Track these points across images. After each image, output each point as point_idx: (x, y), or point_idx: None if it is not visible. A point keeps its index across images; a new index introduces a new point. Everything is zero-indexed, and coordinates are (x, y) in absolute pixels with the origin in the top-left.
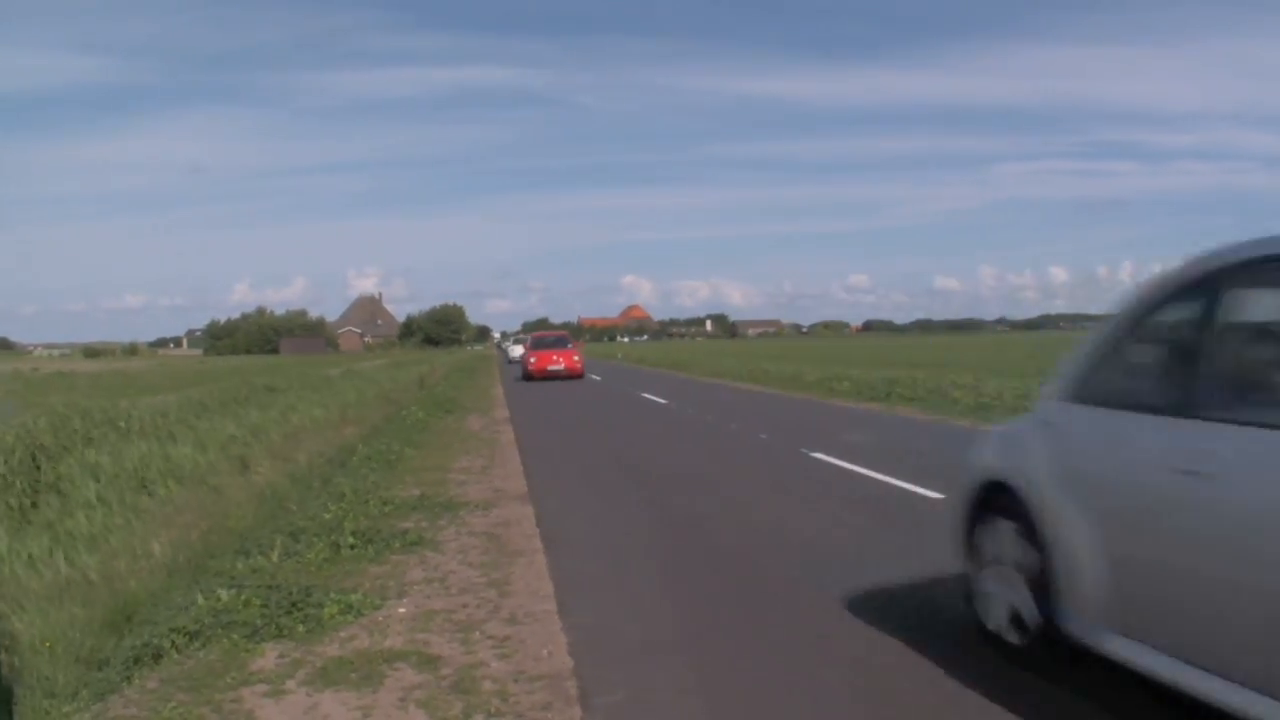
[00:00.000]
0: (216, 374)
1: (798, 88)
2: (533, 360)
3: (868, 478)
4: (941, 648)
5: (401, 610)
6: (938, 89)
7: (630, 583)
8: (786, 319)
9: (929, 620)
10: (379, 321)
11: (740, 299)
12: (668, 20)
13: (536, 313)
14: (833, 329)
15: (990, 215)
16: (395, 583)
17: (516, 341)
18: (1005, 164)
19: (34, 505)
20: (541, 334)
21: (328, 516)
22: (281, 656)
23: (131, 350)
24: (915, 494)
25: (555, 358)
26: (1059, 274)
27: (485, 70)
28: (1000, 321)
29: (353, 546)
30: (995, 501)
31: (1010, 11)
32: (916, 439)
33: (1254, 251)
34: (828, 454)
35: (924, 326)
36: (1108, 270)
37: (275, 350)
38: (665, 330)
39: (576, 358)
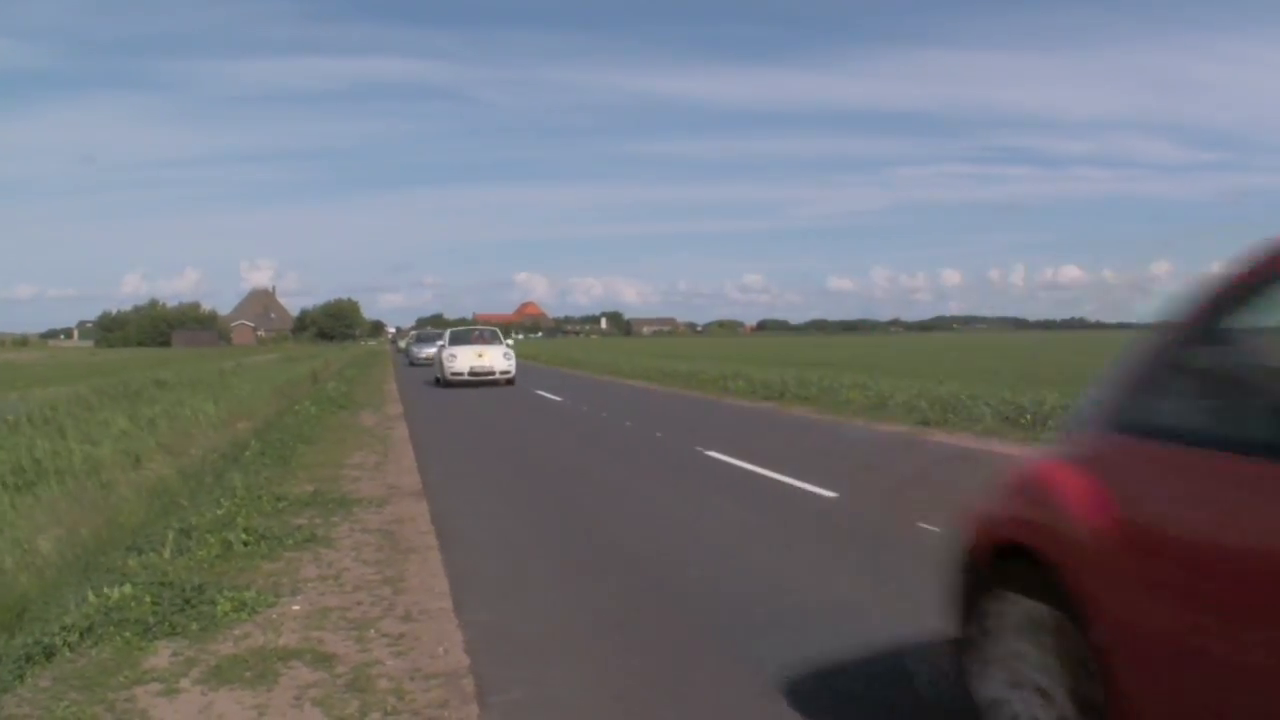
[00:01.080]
0: (108, 367)
1: (700, 87)
2: None
3: (763, 476)
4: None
5: (295, 608)
6: (840, 91)
7: (526, 580)
8: (681, 318)
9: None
10: (272, 315)
11: (635, 297)
12: (570, 16)
13: (431, 308)
14: (727, 328)
15: (888, 217)
16: (289, 580)
17: (421, 339)
18: (904, 167)
19: None
20: None
21: (220, 512)
22: (175, 655)
23: (22, 341)
24: (808, 492)
25: None
26: (952, 276)
27: (387, 62)
28: (895, 322)
29: (246, 543)
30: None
31: (911, 16)
32: (810, 438)
33: None
34: (723, 452)
35: (819, 326)
36: (999, 273)
37: (168, 343)
38: (560, 328)
39: None
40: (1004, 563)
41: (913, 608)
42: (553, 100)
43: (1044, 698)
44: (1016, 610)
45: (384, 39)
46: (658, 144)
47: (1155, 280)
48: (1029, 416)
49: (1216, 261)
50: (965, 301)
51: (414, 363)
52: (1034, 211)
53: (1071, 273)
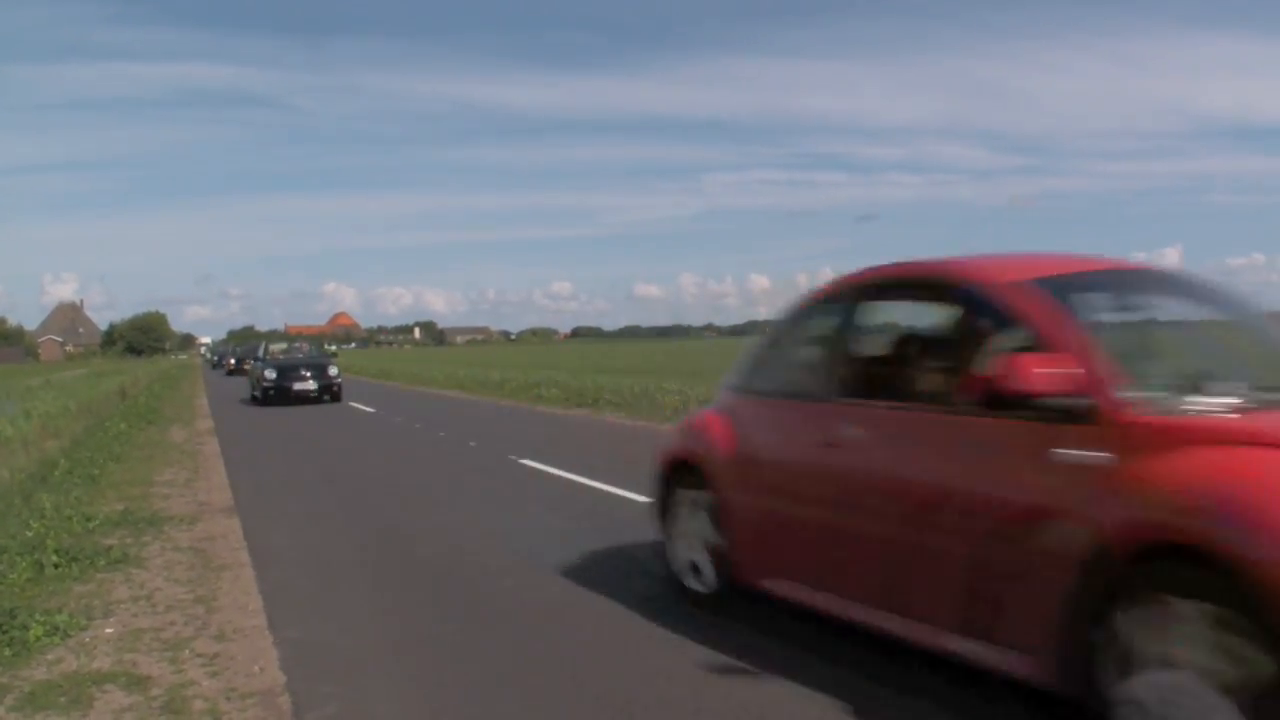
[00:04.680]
0: None
1: (516, 94)
2: None
3: (575, 483)
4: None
5: (108, 630)
6: (654, 99)
7: (340, 594)
8: (494, 326)
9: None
10: (80, 330)
11: (444, 306)
12: (392, 23)
13: (239, 320)
14: (541, 336)
15: (697, 224)
16: (101, 601)
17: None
18: (716, 174)
19: None
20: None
21: (30, 534)
22: None
23: None
24: (618, 496)
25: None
26: (760, 281)
27: (204, 68)
28: (708, 327)
29: (56, 565)
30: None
31: (725, 24)
32: (623, 443)
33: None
34: (535, 460)
35: (632, 333)
36: (807, 277)
37: None
38: (373, 338)
39: None
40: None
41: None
42: (370, 107)
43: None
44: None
45: (200, 45)
46: (472, 151)
47: None
48: None
49: None
50: (773, 306)
51: (230, 373)
52: (847, 217)
53: None
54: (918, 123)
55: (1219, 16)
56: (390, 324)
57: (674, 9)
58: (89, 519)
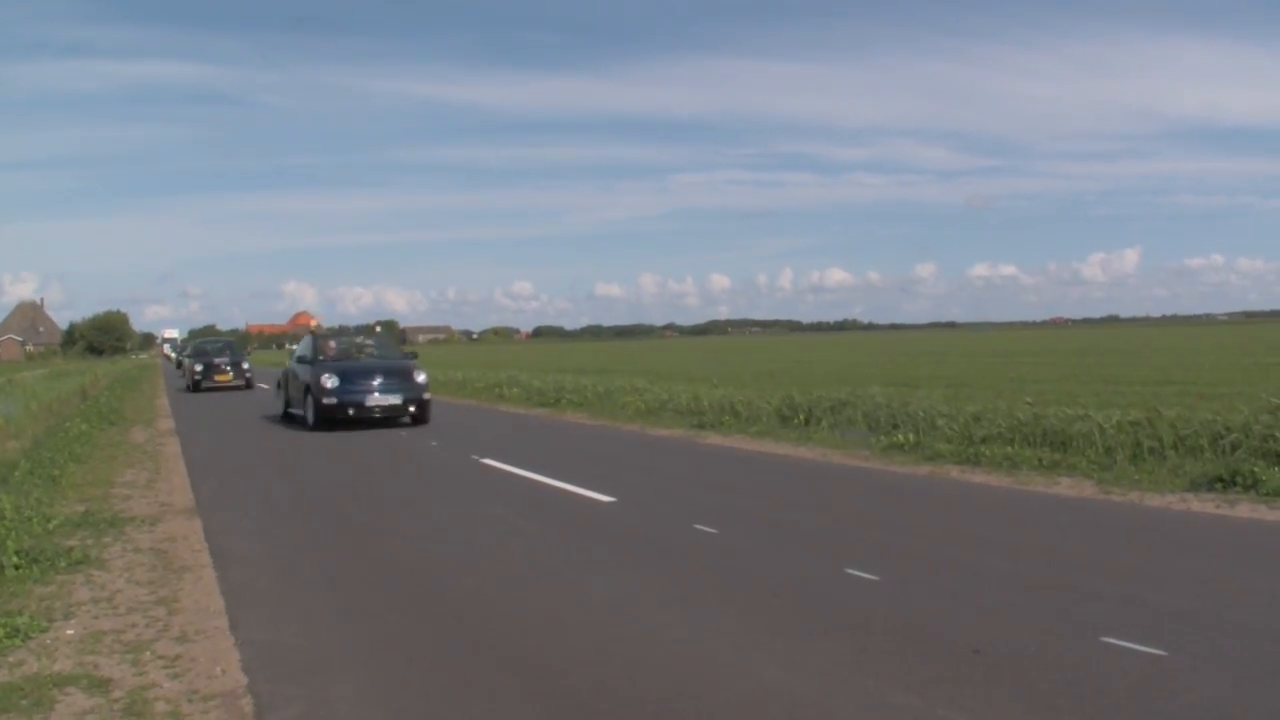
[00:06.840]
0: None
1: (485, 94)
2: None
3: (541, 483)
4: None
5: (69, 632)
6: (623, 99)
7: (301, 596)
8: (455, 325)
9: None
10: (41, 329)
11: (404, 305)
12: (356, 22)
13: (200, 319)
14: (503, 335)
15: (659, 224)
16: (62, 603)
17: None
18: (682, 174)
19: None
20: None
21: None
22: None
23: None
24: (587, 498)
25: None
26: (721, 281)
27: (166, 66)
28: (670, 327)
29: (17, 567)
30: (281, 384)
31: (694, 24)
32: (584, 443)
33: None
34: (498, 460)
35: (594, 332)
36: (766, 277)
37: None
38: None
39: None
40: (279, 386)
41: None
42: (332, 106)
43: (281, 401)
44: (281, 390)
45: (162, 42)
46: (435, 150)
47: (919, 281)
48: (802, 416)
49: (977, 262)
50: (733, 305)
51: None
52: (805, 216)
53: (838, 275)
54: (884, 124)
55: (1186, 19)
56: (351, 323)
57: (641, 9)
58: (50, 520)
